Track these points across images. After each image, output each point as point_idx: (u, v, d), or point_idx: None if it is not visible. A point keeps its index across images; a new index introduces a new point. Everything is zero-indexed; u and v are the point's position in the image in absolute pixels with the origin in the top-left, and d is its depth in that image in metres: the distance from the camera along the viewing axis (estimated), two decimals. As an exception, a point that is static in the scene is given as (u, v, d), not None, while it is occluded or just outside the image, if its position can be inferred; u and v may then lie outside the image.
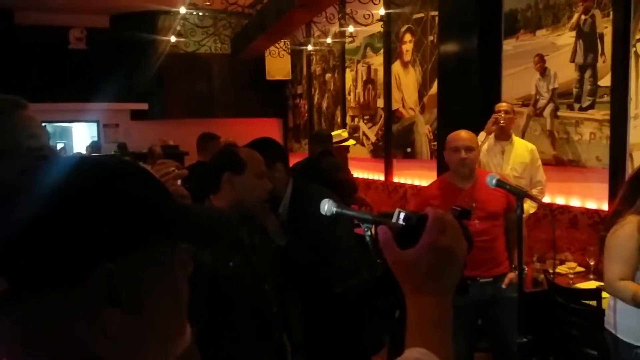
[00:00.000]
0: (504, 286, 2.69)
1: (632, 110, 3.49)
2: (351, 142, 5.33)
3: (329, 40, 6.40)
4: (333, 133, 5.38)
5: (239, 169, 1.64)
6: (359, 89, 7.11)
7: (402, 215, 0.76)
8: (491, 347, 2.88)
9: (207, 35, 6.31)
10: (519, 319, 2.29)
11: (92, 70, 8.42)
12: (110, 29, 9.42)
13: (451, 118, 4.84)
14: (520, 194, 2.10)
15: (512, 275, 2.70)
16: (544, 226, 4.20)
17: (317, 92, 8.53)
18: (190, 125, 7.60)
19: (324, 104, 8.27)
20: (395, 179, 6.36)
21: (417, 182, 5.84)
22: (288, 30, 6.75)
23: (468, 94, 4.61)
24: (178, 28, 6.71)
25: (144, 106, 9.26)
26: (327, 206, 0.92)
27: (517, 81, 4.39)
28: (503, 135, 3.74)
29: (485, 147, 3.72)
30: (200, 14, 5.98)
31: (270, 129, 9.36)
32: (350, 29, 5.77)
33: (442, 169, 4.06)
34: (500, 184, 2.14)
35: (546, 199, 4.17)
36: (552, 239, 3.64)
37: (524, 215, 3.64)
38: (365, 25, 5.22)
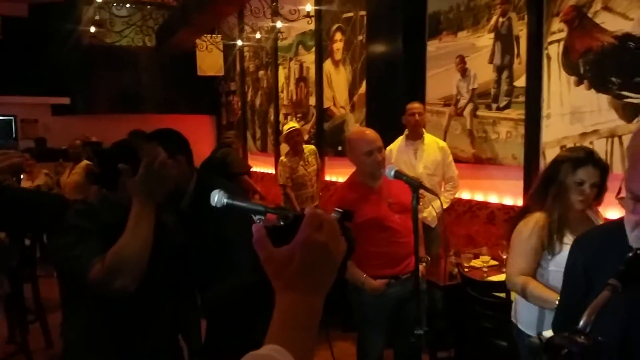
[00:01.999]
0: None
1: (545, 110, 3.66)
2: (296, 125, 5.30)
3: (258, 35, 6.30)
4: (285, 127, 5.32)
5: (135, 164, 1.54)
6: (292, 86, 7.06)
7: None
8: (400, 342, 2.88)
9: (128, 26, 6.04)
10: (417, 311, 2.34)
11: (8, 62, 7.85)
12: (28, 18, 8.84)
13: (379, 117, 4.91)
14: (415, 185, 2.12)
15: (421, 267, 2.74)
16: (464, 222, 4.34)
17: (250, 89, 8.41)
18: (116, 121, 7.27)
19: (257, 101, 8.16)
20: (328, 177, 6.36)
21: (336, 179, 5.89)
22: (213, 22, 6.60)
23: (394, 94, 4.68)
24: (97, 18, 6.39)
25: (65, 100, 8.76)
26: (217, 197, 0.87)
27: (439, 81, 4.51)
28: (415, 135, 3.85)
29: (395, 147, 3.80)
30: (122, 5, 5.71)
31: (202, 125, 9.14)
32: (279, 24, 5.71)
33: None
34: (398, 175, 2.16)
35: (466, 196, 4.32)
36: (468, 234, 3.77)
37: (439, 211, 3.80)
38: (292, 21, 5.18)
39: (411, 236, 2.61)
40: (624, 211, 0.89)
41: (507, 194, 4.05)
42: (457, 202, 4.23)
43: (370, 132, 2.60)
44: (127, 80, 8.95)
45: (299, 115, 6.91)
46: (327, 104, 6.24)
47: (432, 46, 4.56)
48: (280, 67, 7.33)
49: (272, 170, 7.04)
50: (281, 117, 7.40)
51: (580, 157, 1.95)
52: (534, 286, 1.97)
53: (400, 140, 3.95)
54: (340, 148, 6.06)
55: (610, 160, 3.25)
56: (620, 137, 3.20)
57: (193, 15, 6.11)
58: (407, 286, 2.63)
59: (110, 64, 8.66)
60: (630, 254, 0.82)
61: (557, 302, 1.80)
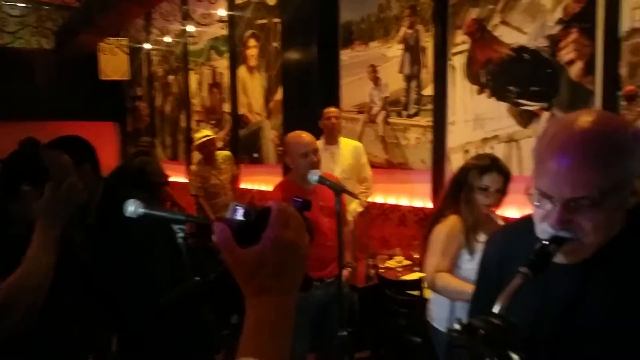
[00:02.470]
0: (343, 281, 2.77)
1: (450, 117, 3.89)
2: (210, 133, 5.14)
3: (168, 39, 6.09)
4: (197, 135, 5.14)
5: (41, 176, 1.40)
6: (205, 92, 6.89)
7: (239, 209, 0.69)
8: (323, 345, 2.90)
9: (22, 27, 5.57)
10: (340, 313, 2.40)
11: None
12: None
13: (295, 123, 4.93)
14: (338, 190, 2.17)
15: (345, 272, 2.78)
16: (378, 225, 4.48)
17: (159, 94, 8.08)
18: (8, 129, 6.63)
19: (167, 108, 7.86)
20: (243, 185, 6.27)
21: (264, 188, 5.84)
22: (118, 24, 6.29)
23: (310, 101, 4.74)
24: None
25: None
26: (132, 207, 0.80)
27: (353, 89, 4.64)
28: (332, 139, 3.93)
29: None
30: (15, 3, 5.25)
31: (105, 133, 8.61)
32: (191, 28, 5.57)
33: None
34: (322, 180, 2.21)
35: (379, 200, 4.47)
36: (382, 236, 3.89)
37: (354, 215, 3.90)
38: (205, 25, 5.07)
39: (337, 239, 2.65)
40: (532, 206, 0.95)
41: (417, 196, 4.24)
42: (371, 206, 4.35)
43: (306, 135, 2.67)
44: (21, 84, 8.20)
45: (212, 122, 6.76)
46: (242, 110, 6.16)
47: (345, 55, 4.68)
48: (192, 73, 7.13)
49: (183, 179, 6.81)
50: (193, 124, 7.19)
51: (486, 165, 2.08)
52: (450, 280, 2.08)
53: (318, 143, 3.98)
54: (256, 155, 6.01)
55: (509, 163, 3.52)
56: (517, 141, 3.48)
57: (96, 16, 5.77)
58: (331, 290, 2.65)
59: (2, 68, 7.90)
60: (538, 245, 0.89)
61: (469, 292, 1.93)
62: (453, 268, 2.13)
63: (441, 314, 2.19)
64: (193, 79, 7.12)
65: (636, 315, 0.88)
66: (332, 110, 3.97)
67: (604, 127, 0.87)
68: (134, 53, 8.00)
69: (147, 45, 7.01)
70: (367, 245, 4.16)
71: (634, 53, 2.86)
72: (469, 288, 1.93)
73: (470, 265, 2.09)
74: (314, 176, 2.23)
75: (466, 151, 3.79)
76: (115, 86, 8.67)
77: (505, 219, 3.31)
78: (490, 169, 2.06)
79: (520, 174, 3.45)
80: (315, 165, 2.60)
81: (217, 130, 6.60)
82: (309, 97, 4.77)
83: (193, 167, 5.17)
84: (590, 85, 3.06)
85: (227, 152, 5.25)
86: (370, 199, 4.18)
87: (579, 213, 0.86)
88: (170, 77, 7.66)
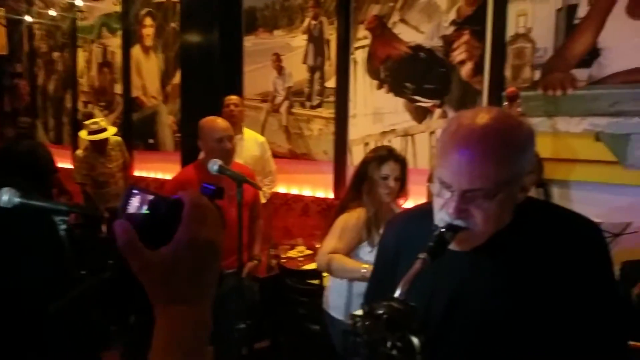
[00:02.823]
0: (244, 276, 2.72)
1: (352, 110, 3.97)
2: (111, 130, 4.75)
3: (53, 13, 5.54)
4: (87, 122, 4.71)
5: None
6: (94, 71, 6.39)
7: (138, 197, 0.57)
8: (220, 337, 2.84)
9: None
10: (240, 306, 2.44)
11: None
12: None
13: (195, 110, 4.74)
14: (239, 180, 2.13)
15: (250, 264, 2.76)
16: (281, 215, 4.48)
17: (41, 72, 7.35)
18: None
19: (51, 87, 7.18)
20: (137, 172, 5.93)
21: (160, 176, 5.56)
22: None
23: (211, 87, 4.58)
24: None
25: None
26: (6, 197, 0.69)
27: (257, 77, 4.56)
28: (234, 129, 3.80)
29: None
30: None
31: (-24, 112, 7.67)
32: (80, 2, 5.11)
33: (187, 161, 3.91)
34: (222, 170, 2.16)
35: (282, 190, 4.46)
36: (285, 226, 3.88)
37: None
38: (95, 0, 4.68)
39: (244, 231, 2.60)
40: (430, 196, 0.99)
41: (320, 187, 4.29)
42: (274, 196, 4.32)
43: (222, 121, 2.65)
44: None
45: (102, 103, 6.29)
46: (135, 93, 5.80)
47: (248, 42, 4.58)
48: (80, 50, 6.56)
49: (68, 165, 6.28)
50: (80, 105, 6.64)
51: (383, 155, 2.19)
52: (339, 258, 2.12)
53: None
54: (151, 141, 5.70)
55: (405, 156, 3.67)
56: (412, 136, 3.64)
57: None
58: (230, 281, 2.60)
59: None
60: (437, 232, 0.93)
61: (361, 270, 1.99)
62: (351, 256, 2.17)
63: (338, 302, 2.24)
64: (81, 56, 6.56)
65: (517, 301, 0.95)
66: (232, 98, 3.85)
67: (502, 124, 0.93)
68: (13, 26, 7.19)
69: (28, 18, 6.31)
70: (270, 235, 4.14)
71: (518, 57, 3.11)
72: (356, 266, 2.03)
73: (370, 257, 2.14)
74: (213, 166, 2.16)
75: (366, 144, 3.90)
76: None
77: (401, 209, 3.49)
78: (387, 159, 2.16)
79: (414, 166, 3.62)
80: (229, 152, 2.56)
81: (107, 113, 6.16)
82: (209, 82, 4.60)
83: (79, 153, 4.77)
84: (478, 85, 3.28)
85: (117, 138, 4.90)
86: (274, 189, 4.16)
87: (473, 203, 0.91)
88: (56, 54, 6.99)
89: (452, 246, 0.95)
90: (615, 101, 2.79)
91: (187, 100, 4.93)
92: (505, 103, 2.89)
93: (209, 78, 4.61)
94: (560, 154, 3.00)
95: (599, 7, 2.79)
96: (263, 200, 3.91)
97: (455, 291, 1.00)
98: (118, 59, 5.95)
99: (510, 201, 0.95)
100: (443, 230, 0.93)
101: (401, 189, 2.26)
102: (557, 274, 0.95)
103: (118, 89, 6.01)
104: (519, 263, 0.97)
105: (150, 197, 0.57)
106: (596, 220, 2.50)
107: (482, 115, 0.94)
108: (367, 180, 2.18)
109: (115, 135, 4.86)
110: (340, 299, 2.23)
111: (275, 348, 3.48)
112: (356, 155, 3.96)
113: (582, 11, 2.86)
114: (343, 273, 2.14)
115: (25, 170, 2.34)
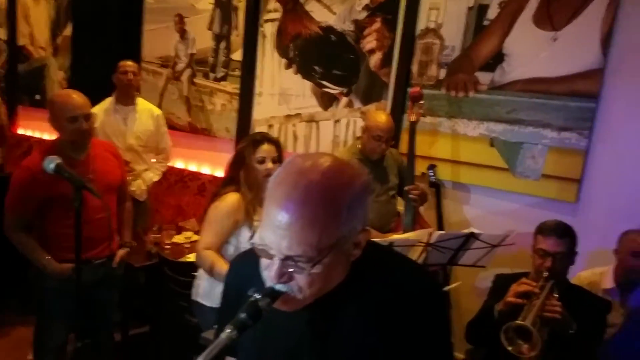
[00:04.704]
0: (115, 265, 2.48)
1: (258, 88, 3.72)
2: None
3: None
4: None
5: None
6: (-27, 10, 5.58)
7: None
8: (90, 329, 2.62)
9: None
10: (111, 296, 2.40)
11: None
12: None
13: (86, 67, 4.27)
14: (78, 185, 1.89)
15: (121, 252, 2.52)
16: (175, 192, 4.19)
17: None
18: None
19: None
20: (21, 131, 5.33)
21: (46, 136, 5.01)
22: None
23: (106, 44, 4.12)
24: None
25: None
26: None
27: (157, 39, 4.15)
28: (126, 99, 3.42)
29: (101, 109, 3.32)
30: None
31: None
32: None
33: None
34: (59, 169, 1.90)
35: (180, 165, 4.16)
36: (178, 204, 3.60)
37: (149, 184, 3.57)
38: None
39: (112, 218, 2.36)
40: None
41: (219, 166, 4.03)
42: (169, 171, 4.01)
43: (77, 96, 2.24)
44: None
45: (-17, 48, 5.53)
46: (22, 41, 5.14)
47: (150, -2, 4.15)
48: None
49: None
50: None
51: (257, 138, 2.16)
52: (221, 265, 2.06)
53: (108, 102, 3.42)
54: (38, 97, 5.10)
55: (309, 143, 3.52)
56: (317, 122, 3.47)
57: None
58: (100, 271, 2.37)
59: None
60: (251, 300, 0.82)
61: None
62: (227, 245, 2.13)
63: (209, 290, 2.19)
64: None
65: (352, 356, 0.90)
66: (129, 64, 3.39)
67: (331, 182, 0.81)
68: None
69: None
70: (154, 218, 3.86)
71: (425, 52, 3.01)
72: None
73: (248, 245, 2.03)
74: (50, 164, 1.89)
75: (270, 125, 3.69)
76: None
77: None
78: (261, 142, 2.14)
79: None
80: (85, 133, 2.22)
81: (-11, 60, 5.44)
82: (104, 38, 4.13)
83: None
84: (385, 78, 3.16)
85: None
86: (170, 164, 3.83)
87: (296, 267, 0.82)
88: None
89: (278, 305, 0.85)
90: (512, 108, 2.77)
91: (79, 55, 4.42)
92: (408, 103, 2.79)
93: (104, 33, 4.14)
94: (456, 156, 2.97)
95: (508, 11, 2.73)
96: (156, 178, 3.61)
97: (291, 352, 0.93)
98: (2, 0, 5.22)
99: (340, 261, 0.85)
100: (258, 297, 0.81)
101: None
102: (393, 333, 0.89)
103: (1, 33, 5.29)
104: (355, 322, 0.90)
105: None
106: (481, 225, 2.51)
107: (312, 168, 0.81)
108: (244, 166, 2.12)
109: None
110: (212, 287, 2.16)
111: (153, 335, 3.26)
112: (259, 136, 3.73)
113: (492, 13, 2.79)
114: (215, 275, 2.08)
115: None
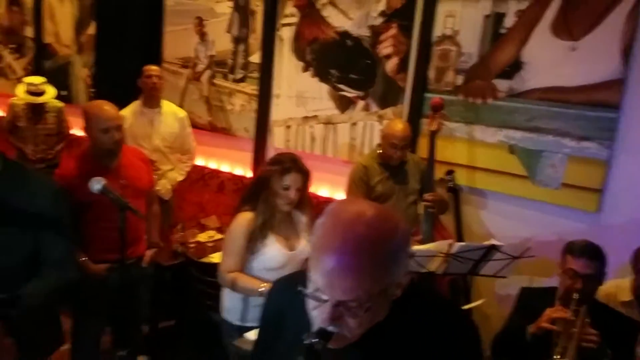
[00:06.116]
0: (145, 264, 2.62)
1: (276, 90, 3.76)
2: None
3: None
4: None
5: None
6: (2, 9, 5.72)
7: None
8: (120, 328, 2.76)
9: None
10: (142, 296, 2.49)
11: None
12: None
13: (109, 65, 4.36)
14: (121, 206, 1.98)
15: (150, 252, 2.66)
16: (196, 189, 4.29)
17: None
18: None
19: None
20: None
21: (73, 131, 5.16)
22: None
23: (128, 44, 4.20)
24: None
25: None
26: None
27: (178, 40, 4.21)
28: (151, 102, 3.52)
29: (129, 112, 3.42)
30: None
31: None
32: None
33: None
34: (105, 191, 1.98)
35: (200, 163, 4.25)
36: (199, 202, 3.69)
37: (173, 184, 3.67)
38: None
39: (141, 221, 2.45)
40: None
41: (238, 164, 4.12)
42: (191, 169, 4.11)
43: (109, 108, 2.38)
44: None
45: (12, 46, 5.68)
46: (48, 39, 5.26)
47: (170, 0, 4.19)
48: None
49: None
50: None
51: (287, 166, 2.10)
52: (241, 279, 2.11)
53: (135, 105, 3.53)
54: (64, 93, 5.24)
55: (326, 144, 3.56)
56: (334, 125, 3.51)
57: None
58: (131, 271, 2.47)
59: None
60: (307, 343, 0.89)
61: (259, 289, 2.00)
62: (246, 264, 2.15)
63: (230, 305, 2.23)
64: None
65: None
66: (153, 68, 3.51)
67: (377, 232, 0.89)
68: None
69: None
70: (178, 217, 3.97)
71: (442, 59, 3.00)
72: (256, 284, 2.05)
73: (255, 263, 2.13)
74: (96, 185, 1.99)
75: (288, 126, 3.74)
76: None
77: (317, 197, 3.41)
78: (290, 170, 2.08)
79: (334, 155, 3.53)
80: (117, 143, 2.36)
81: (17, 57, 5.60)
82: (126, 38, 4.21)
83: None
84: (402, 83, 3.16)
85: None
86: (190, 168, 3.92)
87: (347, 312, 0.90)
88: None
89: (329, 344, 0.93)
90: (531, 116, 2.76)
91: (102, 54, 4.52)
92: (429, 112, 2.81)
93: (126, 32, 4.22)
94: (474, 162, 2.98)
95: (526, 20, 2.70)
96: (180, 178, 3.71)
97: None
98: (29, -1, 5.34)
99: (385, 303, 0.95)
100: (313, 342, 0.89)
101: (301, 200, 2.19)
102: None
103: (29, 32, 5.43)
104: (393, 355, 0.99)
105: None
106: (500, 231, 2.48)
107: (358, 219, 0.89)
108: (267, 188, 2.11)
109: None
110: (233, 303, 2.21)
111: (178, 329, 3.41)
112: (278, 137, 3.80)
113: (509, 21, 2.76)
114: (245, 292, 2.13)
115: None
